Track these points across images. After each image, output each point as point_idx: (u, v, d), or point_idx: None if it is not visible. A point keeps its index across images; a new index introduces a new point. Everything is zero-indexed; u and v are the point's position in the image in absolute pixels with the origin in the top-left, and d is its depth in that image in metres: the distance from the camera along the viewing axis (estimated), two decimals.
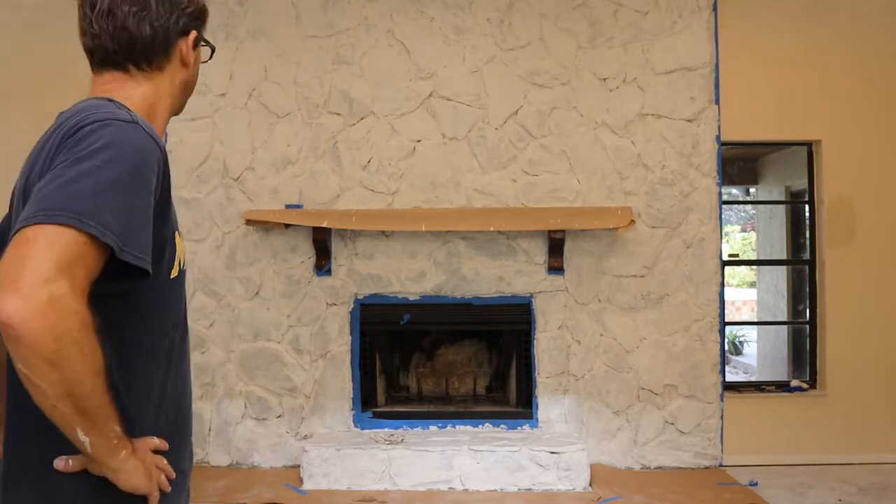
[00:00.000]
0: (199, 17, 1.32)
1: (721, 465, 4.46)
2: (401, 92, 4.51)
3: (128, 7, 1.22)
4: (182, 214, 4.53)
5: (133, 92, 1.25)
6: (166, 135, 4.51)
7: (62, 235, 0.98)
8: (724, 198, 4.90)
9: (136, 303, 1.17)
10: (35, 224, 0.99)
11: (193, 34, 1.30)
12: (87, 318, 1.01)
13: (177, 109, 1.37)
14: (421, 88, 4.51)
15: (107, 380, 1.05)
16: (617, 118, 4.48)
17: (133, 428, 1.17)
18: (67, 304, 0.97)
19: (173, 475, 1.21)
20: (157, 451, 1.20)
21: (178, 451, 1.27)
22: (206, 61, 1.42)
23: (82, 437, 1.04)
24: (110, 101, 1.19)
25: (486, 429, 4.51)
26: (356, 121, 4.52)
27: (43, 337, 0.95)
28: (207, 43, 1.38)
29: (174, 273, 1.21)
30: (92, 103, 1.17)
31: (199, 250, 4.55)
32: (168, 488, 1.20)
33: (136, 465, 1.12)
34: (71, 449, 1.09)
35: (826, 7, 4.61)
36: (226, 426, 4.55)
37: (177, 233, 1.22)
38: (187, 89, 1.35)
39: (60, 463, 1.11)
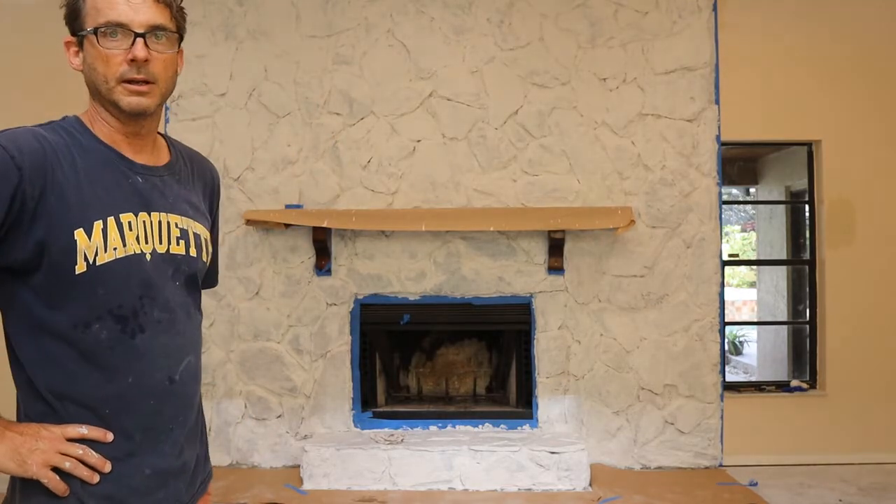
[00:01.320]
0: (67, 20, 1.31)
1: (721, 465, 4.46)
2: (401, 92, 4.51)
3: None
4: None
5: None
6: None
7: None
8: (724, 198, 4.90)
9: (42, 294, 1.22)
10: None
11: (65, 40, 1.32)
12: None
13: (110, 110, 1.31)
14: (421, 88, 4.51)
15: None
16: (617, 118, 4.48)
17: (57, 412, 1.23)
18: None
19: (102, 465, 1.23)
20: (96, 443, 1.23)
21: (130, 448, 1.28)
22: (111, 46, 1.26)
23: None
24: (65, 116, 1.32)
25: (486, 429, 4.51)
26: (356, 121, 4.52)
27: None
28: (83, 32, 1.28)
29: (80, 268, 1.21)
30: None
31: None
32: (87, 476, 1.22)
33: None
34: None
35: (826, 7, 4.61)
36: (226, 426, 4.55)
37: (82, 230, 1.21)
38: (90, 87, 1.32)
39: None
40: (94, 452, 1.23)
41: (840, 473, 4.34)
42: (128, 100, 1.28)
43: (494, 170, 4.50)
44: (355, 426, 4.53)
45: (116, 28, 1.26)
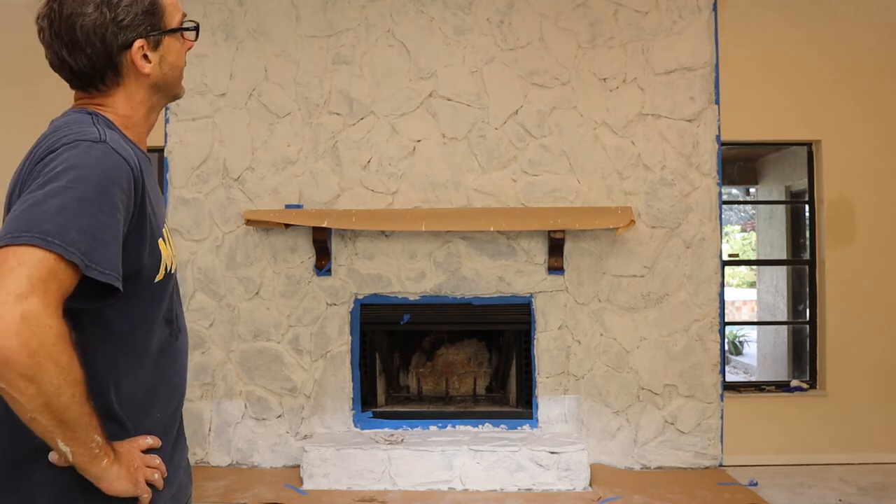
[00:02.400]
0: (142, 23, 1.24)
1: (721, 465, 4.46)
2: (401, 92, 4.51)
3: (60, 42, 1.23)
4: (182, 214, 4.54)
5: (107, 105, 1.28)
6: (166, 135, 4.53)
7: (31, 255, 1.01)
8: (724, 198, 4.90)
9: (126, 305, 1.19)
10: (2, 247, 1.02)
11: (139, 43, 1.24)
12: (62, 331, 1.03)
13: (164, 102, 1.36)
14: (421, 88, 4.51)
15: (86, 390, 1.07)
16: (617, 118, 4.48)
17: (125, 426, 1.21)
18: (41, 320, 1.00)
19: (166, 472, 1.24)
20: (151, 449, 1.23)
21: (170, 447, 1.31)
22: (194, 40, 1.36)
23: (63, 448, 1.07)
24: (89, 114, 1.23)
25: (486, 429, 4.51)
26: (356, 121, 4.52)
27: (18, 353, 0.98)
28: (174, 30, 1.31)
29: (159, 277, 1.24)
30: (71, 119, 1.21)
31: (199, 250, 4.55)
32: (162, 486, 1.23)
33: (118, 472, 1.14)
34: (45, 448, 1.12)
35: (826, 7, 4.61)
36: (226, 426, 4.55)
37: (161, 239, 1.24)
38: (163, 86, 1.32)
39: (54, 456, 1.14)
40: (162, 460, 1.24)
41: (840, 473, 4.34)
42: (182, 85, 1.37)
43: (494, 170, 4.50)
44: (355, 426, 4.53)
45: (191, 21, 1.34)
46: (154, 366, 1.26)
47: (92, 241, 1.06)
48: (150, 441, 1.23)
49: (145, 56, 1.26)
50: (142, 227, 1.18)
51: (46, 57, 1.26)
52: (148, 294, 1.23)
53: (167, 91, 1.33)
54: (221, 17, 4.55)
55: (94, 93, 1.28)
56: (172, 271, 1.28)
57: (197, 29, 1.35)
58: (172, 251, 1.29)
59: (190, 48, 1.36)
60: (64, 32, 1.21)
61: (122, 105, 1.28)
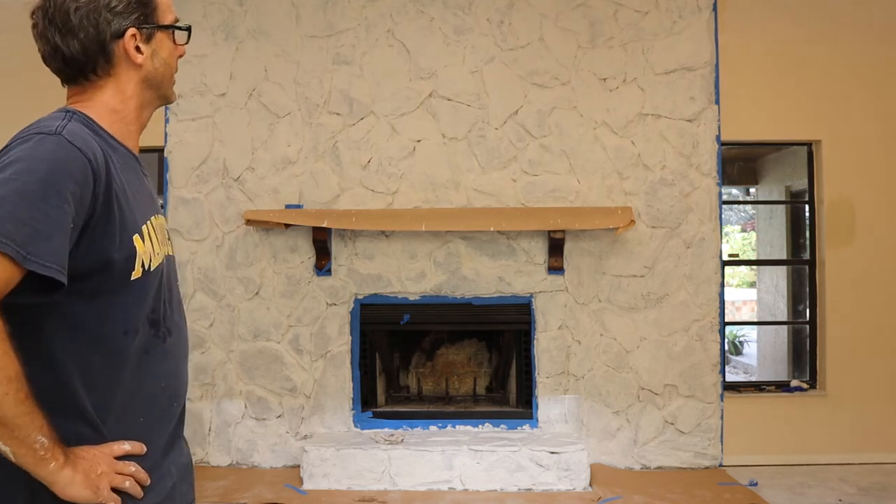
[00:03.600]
0: (134, 11, 1.26)
1: (721, 465, 4.46)
2: (401, 92, 4.51)
3: (54, 28, 1.24)
4: (182, 214, 4.54)
5: (96, 99, 1.28)
6: (166, 135, 4.53)
7: None
8: (724, 198, 4.90)
9: (96, 302, 1.16)
10: None
11: (131, 32, 1.26)
12: None
13: (155, 102, 1.35)
14: (421, 88, 4.51)
15: (25, 387, 1.04)
16: (617, 118, 4.48)
17: (98, 429, 1.17)
18: None
19: (146, 480, 1.20)
20: (133, 455, 1.19)
21: (159, 452, 1.27)
22: (185, 43, 1.37)
23: (2, 447, 1.04)
24: (66, 111, 1.22)
25: (486, 429, 4.51)
26: (356, 121, 4.52)
27: None
28: (167, 26, 1.32)
29: (136, 274, 1.20)
30: (45, 116, 1.21)
31: (199, 250, 4.55)
32: (139, 493, 1.18)
33: (70, 476, 1.09)
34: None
35: (825, 8, 4.61)
36: (226, 426, 4.55)
37: (138, 235, 1.21)
38: (154, 82, 1.31)
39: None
40: (140, 467, 1.19)
41: (840, 473, 4.34)
42: (174, 90, 1.38)
43: (494, 170, 4.50)
44: (355, 426, 4.53)
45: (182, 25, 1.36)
46: (136, 367, 1.22)
47: (32, 232, 1.03)
48: (127, 447, 1.18)
49: (137, 47, 1.27)
50: (109, 221, 1.15)
51: (39, 50, 1.26)
52: (123, 292, 1.19)
53: (157, 89, 1.33)
54: (221, 17, 4.55)
55: (85, 84, 1.27)
56: (151, 269, 1.23)
57: (189, 31, 1.36)
58: (155, 249, 1.25)
59: (181, 55, 1.36)
60: (58, 18, 1.23)
61: (111, 98, 1.28)
